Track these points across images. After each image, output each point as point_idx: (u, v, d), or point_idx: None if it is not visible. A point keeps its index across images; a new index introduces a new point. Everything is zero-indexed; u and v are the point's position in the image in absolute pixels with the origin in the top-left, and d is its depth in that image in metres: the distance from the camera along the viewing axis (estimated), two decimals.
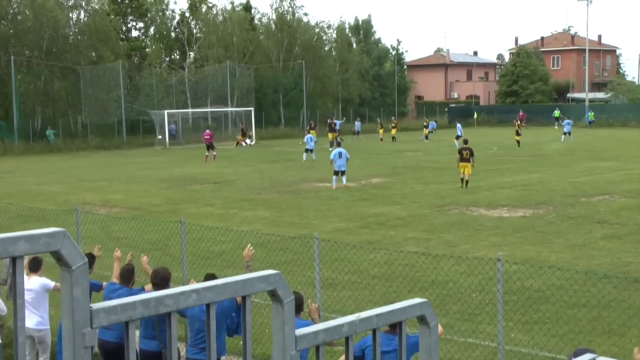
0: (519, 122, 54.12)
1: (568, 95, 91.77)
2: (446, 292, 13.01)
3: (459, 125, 54.42)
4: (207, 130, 44.13)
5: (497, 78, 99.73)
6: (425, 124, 60.48)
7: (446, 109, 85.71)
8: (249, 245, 8.76)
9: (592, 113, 72.57)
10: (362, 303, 11.83)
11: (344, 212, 22.51)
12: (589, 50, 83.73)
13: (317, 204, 24.38)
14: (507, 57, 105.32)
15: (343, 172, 28.44)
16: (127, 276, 8.68)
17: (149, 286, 8.48)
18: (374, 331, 2.96)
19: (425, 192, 26.63)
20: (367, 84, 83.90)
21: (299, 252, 14.46)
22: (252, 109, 62.51)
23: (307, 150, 40.59)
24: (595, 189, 26.02)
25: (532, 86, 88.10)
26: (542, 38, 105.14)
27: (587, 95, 79.57)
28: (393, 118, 64.52)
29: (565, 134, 53.00)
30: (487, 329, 10.91)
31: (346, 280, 13.84)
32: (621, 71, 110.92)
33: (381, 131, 58.27)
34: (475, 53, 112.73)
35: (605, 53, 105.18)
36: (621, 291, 12.40)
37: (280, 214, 22.35)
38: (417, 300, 3.17)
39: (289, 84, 73.32)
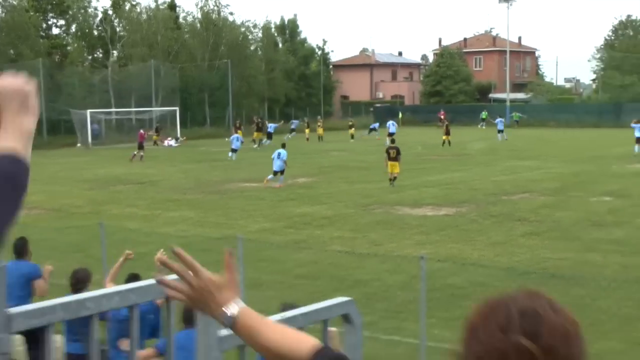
0: (443, 120, 55.01)
1: (490, 95, 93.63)
2: (371, 290, 13.13)
3: (391, 122, 55.04)
4: (142, 130, 44.67)
5: (421, 78, 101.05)
6: (350, 123, 60.69)
7: (371, 109, 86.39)
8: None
9: (518, 113, 74.11)
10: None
11: (270, 212, 22.50)
12: (510, 51, 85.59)
13: (242, 204, 24.31)
14: (431, 58, 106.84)
15: (281, 172, 28.77)
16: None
17: (48, 267, 8.46)
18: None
19: (351, 191, 26.82)
20: (293, 84, 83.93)
21: (224, 253, 14.39)
22: (177, 108, 61.82)
23: (232, 150, 40.51)
24: (516, 188, 26.62)
25: (455, 86, 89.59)
26: (465, 39, 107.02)
27: (508, 95, 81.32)
28: (319, 117, 64.74)
29: (499, 132, 54.59)
30: (410, 326, 11.06)
31: (271, 280, 13.84)
32: (540, 72, 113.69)
33: (307, 131, 58.44)
34: (400, 53, 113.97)
35: (525, 54, 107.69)
36: (540, 286, 12.62)
37: (206, 215, 22.21)
38: (341, 299, 3.21)
39: (214, 84, 72.80)
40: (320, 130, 57.35)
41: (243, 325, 1.94)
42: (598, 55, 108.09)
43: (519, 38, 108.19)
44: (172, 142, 55.71)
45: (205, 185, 29.21)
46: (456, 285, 13.00)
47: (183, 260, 1.93)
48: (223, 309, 1.92)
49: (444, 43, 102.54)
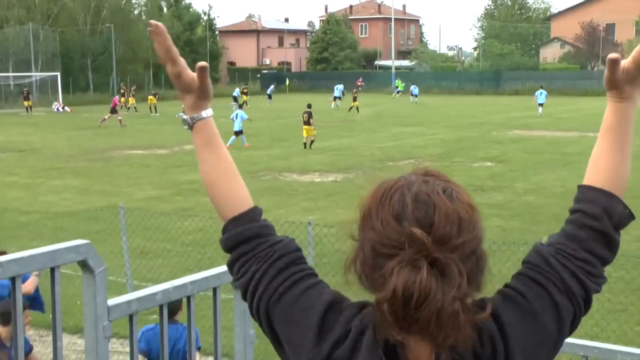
0: (359, 87, 55.72)
1: (376, 62, 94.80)
2: None
3: (339, 86, 55.65)
4: (116, 97, 45.43)
5: (308, 45, 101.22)
6: (244, 89, 59.86)
7: (258, 75, 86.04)
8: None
9: (400, 81, 75.14)
10: (175, 270, 11.76)
11: (157, 179, 22.17)
12: (395, 19, 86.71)
13: (128, 171, 23.84)
14: (317, 25, 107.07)
15: (241, 132, 29.68)
16: None
17: None
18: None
19: (238, 158, 26.64)
20: (179, 50, 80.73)
21: (110, 221, 14.12)
22: (58, 74, 59.80)
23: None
24: (402, 154, 27.15)
25: (341, 53, 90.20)
26: (351, 6, 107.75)
27: (393, 63, 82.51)
28: None
29: (413, 95, 58.48)
30: None
31: (159, 249, 13.69)
32: (424, 40, 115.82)
33: None
34: (287, 20, 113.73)
35: (409, 22, 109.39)
36: None
37: (91, 183, 21.67)
38: None
39: (97, 49, 70.71)
40: None
41: (204, 128, 1.88)
42: (479, 24, 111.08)
43: (404, 6, 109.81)
44: (60, 108, 54.03)
45: (89, 153, 28.47)
46: (344, 251, 13.17)
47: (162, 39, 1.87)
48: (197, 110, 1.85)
49: (330, 10, 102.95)
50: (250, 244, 1.78)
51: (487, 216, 13.82)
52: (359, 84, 70.77)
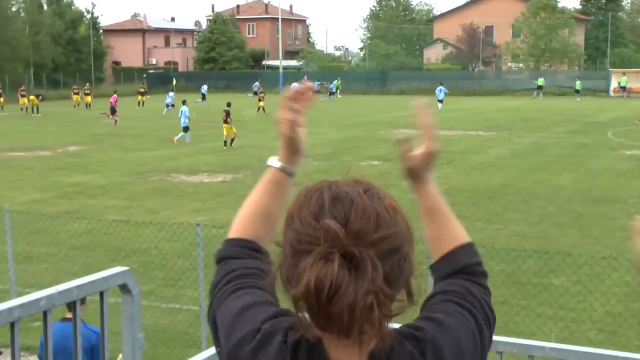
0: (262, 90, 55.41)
1: (264, 62, 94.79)
2: (149, 259, 12.97)
3: (257, 84, 55.78)
4: (115, 95, 44.56)
5: (195, 44, 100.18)
6: (141, 89, 58.62)
7: (145, 75, 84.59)
8: None
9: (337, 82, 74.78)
10: (60, 275, 11.44)
11: (40, 182, 21.49)
12: (282, 19, 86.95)
13: (9, 174, 23.02)
14: (204, 24, 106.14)
15: (187, 129, 30.74)
16: None
17: None
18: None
19: (125, 159, 26.21)
20: (61, 49, 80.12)
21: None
22: None
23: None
24: None
25: (229, 53, 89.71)
26: (238, 6, 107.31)
27: (281, 63, 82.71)
28: (88, 84, 62.31)
29: (332, 93, 61.62)
30: (190, 293, 11.07)
31: (43, 253, 13.29)
32: (311, 40, 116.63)
33: (76, 97, 56.18)
34: (173, 19, 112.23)
35: (296, 22, 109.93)
36: None
37: None
38: (118, 269, 3.14)
39: None
40: (88, 98, 55.31)
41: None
42: (365, 25, 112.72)
43: (290, 6, 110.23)
44: None
45: None
46: None
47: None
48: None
49: (216, 9, 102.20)
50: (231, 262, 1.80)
51: None
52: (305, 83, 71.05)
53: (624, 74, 67.72)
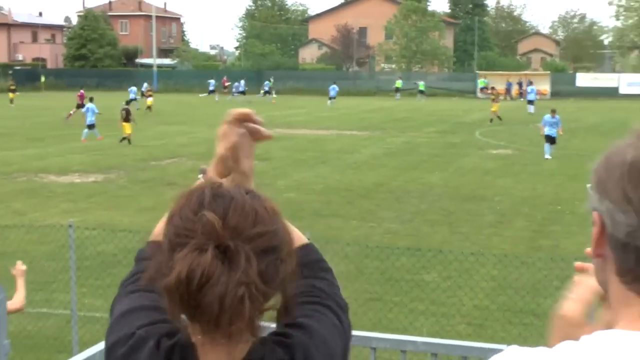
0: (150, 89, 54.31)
1: (137, 60, 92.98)
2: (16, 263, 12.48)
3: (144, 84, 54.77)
4: (82, 91, 44.43)
5: (64, 41, 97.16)
6: (11, 86, 56.33)
7: (10, 72, 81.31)
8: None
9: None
10: None
11: None
12: (156, 17, 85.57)
13: None
14: (74, 20, 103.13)
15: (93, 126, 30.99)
16: None
17: None
18: None
19: None
20: None
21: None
22: None
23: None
24: (165, 153, 26.87)
25: (101, 50, 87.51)
26: (110, 2, 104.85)
27: (155, 61, 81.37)
28: None
29: (266, 93, 62.29)
30: (61, 297, 10.75)
31: None
32: (186, 39, 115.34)
33: None
34: (41, 14, 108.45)
35: (171, 20, 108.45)
36: None
37: None
38: None
39: None
40: None
41: None
42: (240, 24, 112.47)
43: (165, 4, 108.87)
44: None
45: None
46: (107, 253, 12.82)
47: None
48: None
49: (87, 5, 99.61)
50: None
51: None
52: (225, 84, 70.80)
53: (485, 77, 70.35)
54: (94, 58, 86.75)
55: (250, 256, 1.43)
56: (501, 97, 64.25)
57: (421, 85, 65.56)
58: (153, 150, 27.59)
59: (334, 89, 59.20)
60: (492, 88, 55.37)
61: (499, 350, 1.28)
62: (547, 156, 25.69)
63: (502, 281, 11.32)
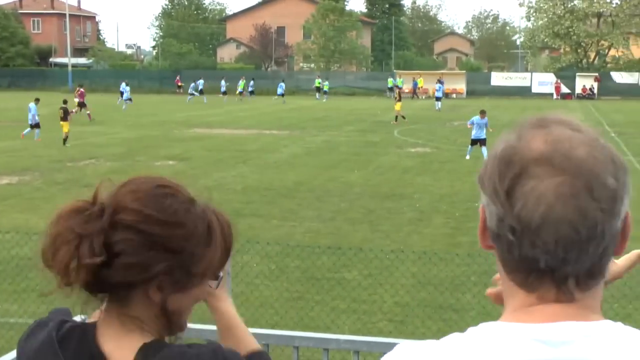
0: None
1: (51, 59, 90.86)
2: None
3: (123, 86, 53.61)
4: (81, 89, 44.25)
5: None
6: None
7: None
8: None
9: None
10: None
11: None
12: (70, 15, 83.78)
13: None
14: None
15: (36, 126, 31.04)
16: None
17: None
18: None
19: None
20: None
21: None
22: None
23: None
24: (82, 154, 26.34)
25: (12, 49, 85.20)
26: (21, 0, 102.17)
27: (70, 60, 79.67)
28: None
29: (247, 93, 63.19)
30: None
31: None
32: (101, 38, 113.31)
33: None
34: None
35: (85, 19, 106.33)
36: None
37: None
38: None
39: None
40: None
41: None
42: (157, 23, 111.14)
43: (79, 2, 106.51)
44: None
45: None
46: (22, 256, 12.48)
47: None
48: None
49: None
50: None
51: None
52: (178, 83, 70.46)
53: (401, 76, 71.19)
54: (5, 57, 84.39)
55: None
56: (423, 97, 65.41)
57: (324, 85, 65.89)
58: (69, 151, 27.01)
59: (281, 86, 61.81)
60: (397, 87, 56.25)
61: None
62: (467, 157, 25.91)
63: (422, 278, 11.49)
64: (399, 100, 42.18)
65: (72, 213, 1.59)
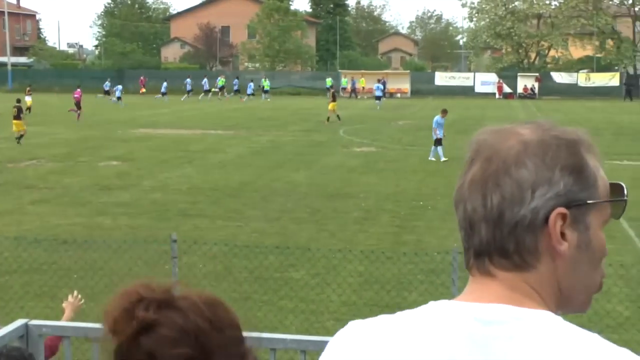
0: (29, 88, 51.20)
1: None
2: None
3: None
4: (78, 89, 45.02)
5: None
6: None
7: None
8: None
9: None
10: None
11: None
12: (9, 13, 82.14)
13: None
14: None
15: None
16: None
17: None
18: None
19: None
20: None
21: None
22: None
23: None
24: (23, 155, 25.86)
25: None
26: None
27: (9, 59, 78.09)
28: None
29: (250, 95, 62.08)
30: None
31: None
32: (42, 36, 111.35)
33: None
34: None
35: (25, 17, 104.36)
36: (51, 253, 12.63)
37: None
38: None
39: None
40: None
41: None
42: (99, 22, 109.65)
43: (18, 0, 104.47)
44: None
45: None
46: None
47: None
48: None
49: None
50: None
51: (115, 215, 13.77)
52: (142, 82, 69.50)
53: (345, 76, 71.55)
54: None
55: None
56: (365, 97, 65.72)
57: (265, 84, 66.01)
58: (9, 152, 26.50)
59: (250, 86, 62.88)
60: (331, 87, 56.73)
61: None
62: (431, 157, 25.08)
63: (369, 277, 11.56)
64: (334, 100, 42.72)
65: None
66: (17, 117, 30.02)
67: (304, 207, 17.43)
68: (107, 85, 65.50)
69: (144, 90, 69.93)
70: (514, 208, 1.28)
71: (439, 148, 25.02)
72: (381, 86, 57.59)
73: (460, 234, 1.36)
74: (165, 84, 63.79)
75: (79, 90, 44.68)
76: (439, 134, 25.08)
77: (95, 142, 30.18)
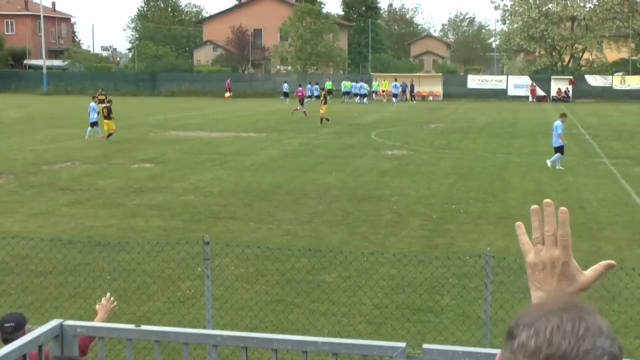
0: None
1: (25, 61, 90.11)
2: None
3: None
4: (300, 87, 52.11)
5: None
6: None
7: None
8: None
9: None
10: None
11: None
12: (44, 17, 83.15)
13: None
14: None
15: None
16: None
17: None
18: None
19: None
20: None
21: None
22: None
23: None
24: (57, 157, 26.15)
25: None
26: None
27: (44, 62, 79.03)
28: None
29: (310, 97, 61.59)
30: None
31: None
32: (77, 39, 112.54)
33: None
34: None
35: (60, 20, 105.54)
36: (85, 255, 12.76)
37: None
38: None
39: None
40: None
41: None
42: (133, 25, 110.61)
43: (53, 4, 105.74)
44: None
45: None
46: None
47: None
48: None
49: None
50: None
51: (148, 217, 13.87)
52: (228, 85, 71.13)
53: (376, 79, 71.48)
54: None
55: None
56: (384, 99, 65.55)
57: (329, 86, 66.66)
58: (44, 154, 26.81)
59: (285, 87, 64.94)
60: (322, 89, 56.53)
61: (399, 348, 1.35)
62: (559, 166, 23.59)
63: (401, 280, 11.52)
64: (325, 103, 43.25)
65: None
66: (108, 116, 31.86)
67: (336, 209, 17.41)
68: (285, 87, 65.78)
69: (229, 94, 69.24)
70: None
71: (557, 155, 23.63)
72: (398, 84, 65.05)
73: None
74: (285, 85, 65.60)
75: (300, 88, 51.39)
76: (560, 140, 23.53)
77: (128, 144, 30.43)
